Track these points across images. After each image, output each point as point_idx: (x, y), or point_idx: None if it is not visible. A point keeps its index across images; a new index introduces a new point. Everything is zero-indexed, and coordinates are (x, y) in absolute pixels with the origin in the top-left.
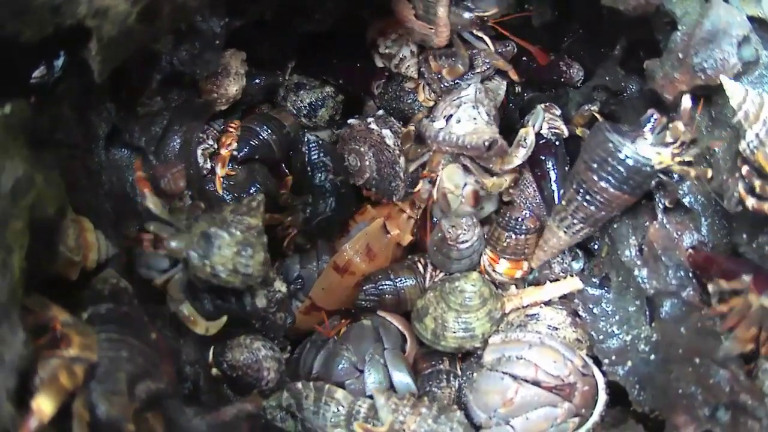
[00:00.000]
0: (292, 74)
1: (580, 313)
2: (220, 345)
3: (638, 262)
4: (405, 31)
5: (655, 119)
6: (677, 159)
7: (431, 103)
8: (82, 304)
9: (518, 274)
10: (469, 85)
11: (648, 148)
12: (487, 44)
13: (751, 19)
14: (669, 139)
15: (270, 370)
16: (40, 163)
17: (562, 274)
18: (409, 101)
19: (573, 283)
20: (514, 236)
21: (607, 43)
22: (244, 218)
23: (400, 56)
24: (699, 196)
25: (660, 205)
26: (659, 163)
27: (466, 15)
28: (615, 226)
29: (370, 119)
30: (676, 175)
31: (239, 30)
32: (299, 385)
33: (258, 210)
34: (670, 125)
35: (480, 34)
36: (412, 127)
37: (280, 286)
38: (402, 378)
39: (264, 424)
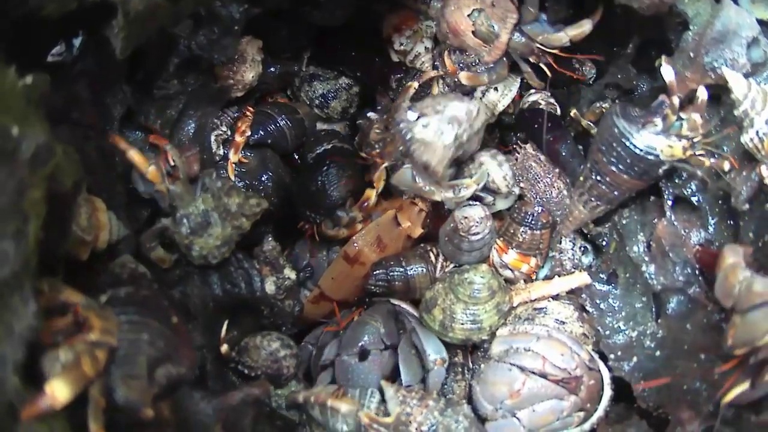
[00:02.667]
0: (308, 65)
1: (587, 308)
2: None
3: (646, 259)
4: (443, 37)
5: (666, 105)
6: (689, 153)
7: None
8: (100, 288)
9: (524, 268)
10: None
11: (655, 138)
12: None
13: (761, 22)
14: (686, 132)
15: (290, 368)
16: (57, 139)
17: (572, 269)
18: (422, 95)
19: (581, 278)
20: (529, 231)
21: (620, 42)
22: (241, 218)
23: (415, 53)
24: (707, 195)
25: (668, 202)
26: (670, 156)
27: (527, 41)
28: (624, 222)
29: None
30: (689, 167)
31: (256, 18)
32: (300, 398)
33: (256, 216)
34: (685, 117)
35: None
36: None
37: (289, 273)
38: (434, 346)
39: (269, 411)
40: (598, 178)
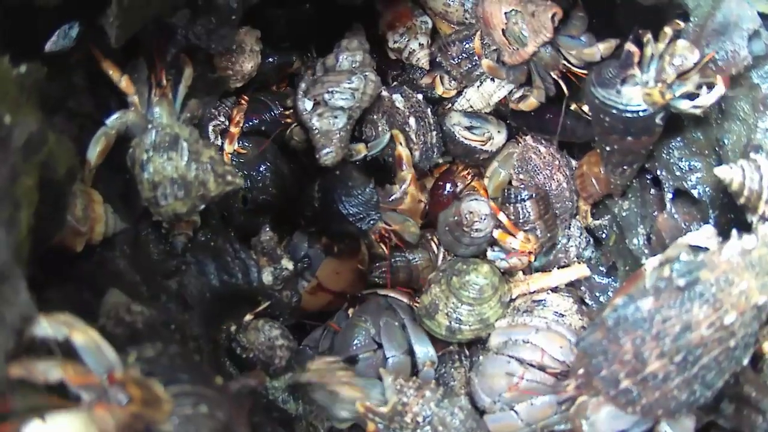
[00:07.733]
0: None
1: (587, 300)
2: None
3: (646, 251)
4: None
5: (632, 53)
6: (668, 96)
7: (452, 93)
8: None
9: (510, 240)
10: None
11: (633, 91)
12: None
13: (762, 16)
14: (658, 74)
15: (282, 359)
16: (52, 127)
17: (576, 258)
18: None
19: (580, 270)
20: (511, 207)
21: (620, 33)
22: (209, 174)
23: (410, 49)
24: (708, 188)
25: (669, 194)
26: (653, 104)
27: (555, 55)
28: (624, 214)
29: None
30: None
31: (255, 8)
32: (304, 379)
33: (224, 183)
34: (656, 61)
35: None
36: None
37: (286, 263)
38: (424, 348)
39: (266, 403)
40: (608, 148)
